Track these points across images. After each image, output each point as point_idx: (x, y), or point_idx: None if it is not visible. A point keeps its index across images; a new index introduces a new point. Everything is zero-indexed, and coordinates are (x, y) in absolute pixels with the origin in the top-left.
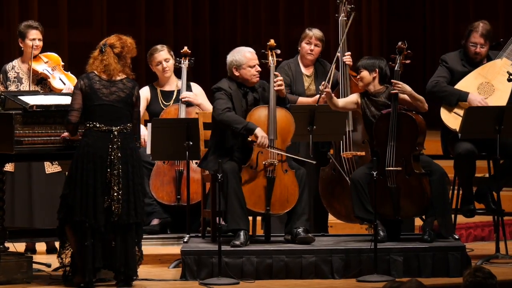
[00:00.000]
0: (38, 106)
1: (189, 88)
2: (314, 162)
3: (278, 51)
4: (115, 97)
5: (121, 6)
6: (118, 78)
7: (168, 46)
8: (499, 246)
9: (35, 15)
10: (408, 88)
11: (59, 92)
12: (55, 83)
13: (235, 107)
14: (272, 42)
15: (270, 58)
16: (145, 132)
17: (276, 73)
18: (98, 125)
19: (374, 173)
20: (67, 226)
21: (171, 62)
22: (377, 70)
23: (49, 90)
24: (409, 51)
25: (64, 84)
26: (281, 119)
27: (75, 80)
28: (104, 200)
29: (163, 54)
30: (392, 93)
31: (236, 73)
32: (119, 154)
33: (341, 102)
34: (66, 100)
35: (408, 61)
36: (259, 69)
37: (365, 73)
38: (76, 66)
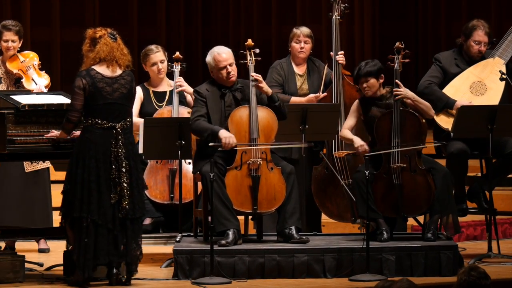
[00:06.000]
0: (30, 105)
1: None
2: (305, 145)
3: (257, 51)
4: (118, 94)
5: (114, 5)
6: (118, 73)
7: (162, 47)
8: (491, 245)
9: (28, 15)
10: (410, 93)
11: (45, 92)
12: (28, 83)
13: (211, 109)
14: (249, 41)
15: (249, 57)
16: None
17: (253, 74)
18: (100, 122)
19: (367, 173)
20: (66, 223)
21: (166, 63)
22: (383, 75)
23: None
24: (407, 50)
25: (36, 84)
26: (263, 117)
27: (48, 79)
28: (110, 196)
29: (158, 56)
30: (395, 99)
31: (212, 75)
32: (124, 150)
33: (349, 126)
34: (58, 100)
35: (407, 60)
36: (230, 70)
37: (373, 81)
38: (68, 65)
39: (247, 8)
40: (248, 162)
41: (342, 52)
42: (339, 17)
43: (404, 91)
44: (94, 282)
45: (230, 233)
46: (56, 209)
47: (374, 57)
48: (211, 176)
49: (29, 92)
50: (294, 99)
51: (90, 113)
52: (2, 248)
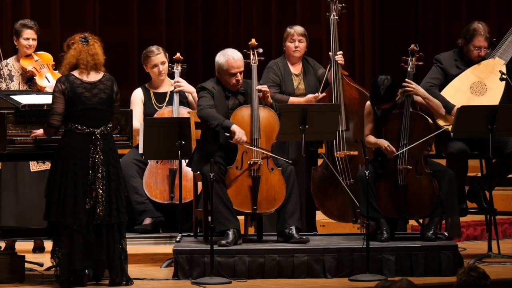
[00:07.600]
0: (30, 105)
1: (182, 91)
2: (290, 161)
3: (260, 50)
4: (97, 99)
5: (114, 5)
6: (98, 78)
7: (163, 48)
8: (492, 245)
9: (28, 15)
10: (421, 90)
11: (48, 92)
12: (40, 80)
13: (217, 107)
14: (253, 41)
15: (252, 57)
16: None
17: (258, 87)
18: (80, 127)
19: (367, 173)
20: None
21: (167, 64)
22: (399, 94)
23: (36, 88)
24: (421, 53)
25: (49, 81)
26: (264, 117)
27: None
28: (85, 201)
29: (159, 58)
30: (406, 94)
31: (218, 76)
32: (102, 157)
33: (369, 131)
34: None
35: (420, 63)
36: (239, 78)
37: (390, 104)
38: None
39: (247, 8)
40: (249, 163)
41: (341, 52)
42: (336, 17)
43: (416, 87)
44: (93, 282)
45: (230, 233)
46: None
47: (374, 57)
48: (211, 176)
49: (29, 92)
50: (293, 100)
51: (69, 118)
52: (2, 248)
